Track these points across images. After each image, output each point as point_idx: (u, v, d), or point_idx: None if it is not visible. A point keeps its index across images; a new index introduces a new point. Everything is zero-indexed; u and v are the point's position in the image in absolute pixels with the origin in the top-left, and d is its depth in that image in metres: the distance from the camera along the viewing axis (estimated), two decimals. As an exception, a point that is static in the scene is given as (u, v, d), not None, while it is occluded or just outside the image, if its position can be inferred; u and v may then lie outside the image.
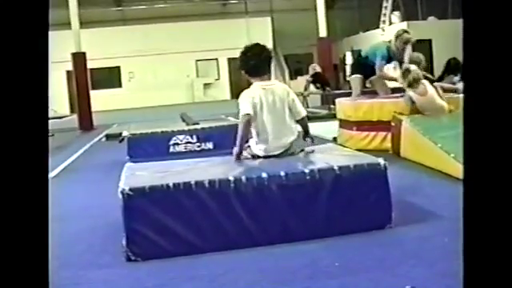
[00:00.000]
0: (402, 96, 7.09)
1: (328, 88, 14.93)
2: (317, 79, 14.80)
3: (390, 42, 7.57)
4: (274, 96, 3.94)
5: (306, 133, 4.18)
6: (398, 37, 7.38)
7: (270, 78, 4.10)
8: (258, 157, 3.96)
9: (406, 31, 7.58)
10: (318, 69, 15.07)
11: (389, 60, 7.53)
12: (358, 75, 7.93)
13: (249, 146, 4.02)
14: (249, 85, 4.06)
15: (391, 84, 8.04)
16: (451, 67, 7.96)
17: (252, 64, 4.02)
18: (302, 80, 15.04)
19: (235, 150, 3.96)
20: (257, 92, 3.94)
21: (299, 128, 4.09)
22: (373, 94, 8.16)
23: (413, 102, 6.53)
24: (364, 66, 7.79)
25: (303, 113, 4.08)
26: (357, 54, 8.04)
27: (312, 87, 14.99)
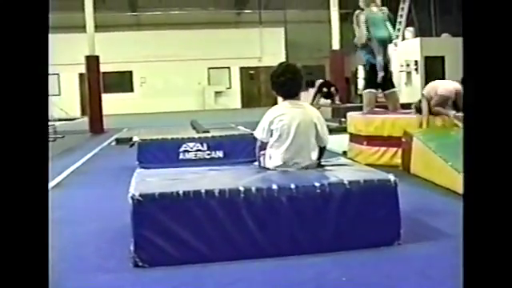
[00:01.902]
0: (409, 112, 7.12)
1: (336, 90, 15.00)
2: (323, 87, 14.96)
3: None
4: (303, 117, 3.97)
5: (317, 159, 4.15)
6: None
7: (299, 98, 4.12)
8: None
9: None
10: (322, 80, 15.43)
11: None
12: (372, 90, 7.78)
13: (263, 154, 4.05)
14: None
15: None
16: None
17: (286, 89, 4.07)
18: (313, 92, 15.08)
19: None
20: (284, 111, 3.98)
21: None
22: (383, 108, 8.12)
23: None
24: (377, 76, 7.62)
25: (325, 142, 4.12)
26: (368, 67, 7.86)
27: (322, 100, 15.07)
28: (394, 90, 7.81)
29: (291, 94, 4.07)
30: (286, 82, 4.04)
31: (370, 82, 7.72)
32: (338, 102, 15.19)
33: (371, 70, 7.65)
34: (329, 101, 15.21)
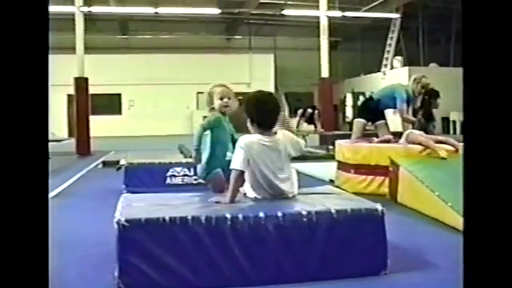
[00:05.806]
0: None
1: (318, 114, 15.26)
2: (307, 109, 15.26)
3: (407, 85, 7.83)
4: (274, 152, 3.86)
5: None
6: (416, 81, 7.61)
7: (272, 131, 3.92)
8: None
9: (424, 76, 7.75)
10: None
11: (407, 103, 7.69)
12: (362, 120, 8.08)
13: (245, 194, 3.97)
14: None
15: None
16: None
17: (262, 118, 3.88)
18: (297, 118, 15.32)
19: (228, 197, 3.79)
20: (256, 143, 3.83)
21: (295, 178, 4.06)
22: (370, 137, 8.20)
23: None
24: (372, 110, 7.96)
25: (302, 150, 4.07)
26: (367, 98, 8.21)
27: (305, 124, 15.30)
28: (383, 121, 8.02)
29: (264, 127, 3.90)
30: (263, 112, 3.89)
31: (363, 111, 7.91)
32: (319, 126, 15.35)
33: (364, 104, 7.90)
34: (312, 127, 15.36)
